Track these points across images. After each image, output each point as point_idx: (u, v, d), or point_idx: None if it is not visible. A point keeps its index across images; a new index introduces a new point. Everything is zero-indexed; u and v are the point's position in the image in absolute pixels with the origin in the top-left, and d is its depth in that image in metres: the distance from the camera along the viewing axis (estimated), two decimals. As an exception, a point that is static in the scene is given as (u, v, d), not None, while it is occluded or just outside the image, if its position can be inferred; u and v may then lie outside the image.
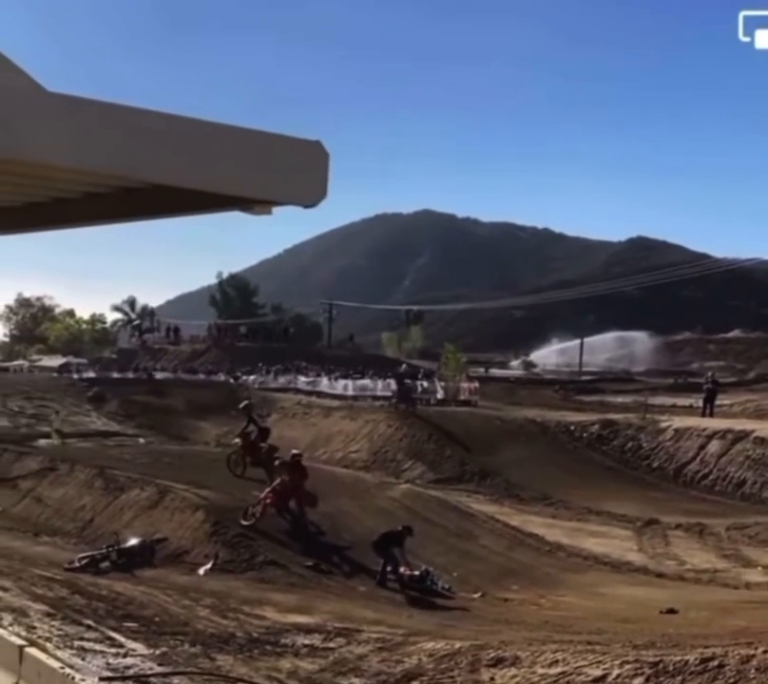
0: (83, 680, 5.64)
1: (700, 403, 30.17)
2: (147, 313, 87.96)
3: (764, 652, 7.64)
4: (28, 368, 63.75)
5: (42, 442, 28.69)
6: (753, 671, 7.40)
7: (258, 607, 11.89)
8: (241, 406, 21.52)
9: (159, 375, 49.88)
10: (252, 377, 47.53)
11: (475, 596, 14.02)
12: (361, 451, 27.62)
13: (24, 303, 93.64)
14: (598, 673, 8.02)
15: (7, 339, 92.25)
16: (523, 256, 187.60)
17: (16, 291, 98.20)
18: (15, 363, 68.92)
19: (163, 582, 13.65)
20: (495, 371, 60.85)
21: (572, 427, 28.04)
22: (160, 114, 2.78)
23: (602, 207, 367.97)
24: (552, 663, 8.45)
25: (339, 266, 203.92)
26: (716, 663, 7.63)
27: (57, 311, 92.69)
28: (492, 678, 8.41)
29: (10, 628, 8.22)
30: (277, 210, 3.20)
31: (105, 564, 14.91)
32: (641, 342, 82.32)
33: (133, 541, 15.37)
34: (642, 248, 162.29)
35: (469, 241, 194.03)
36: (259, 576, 14.40)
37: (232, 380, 47.01)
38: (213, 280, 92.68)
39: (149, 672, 7.89)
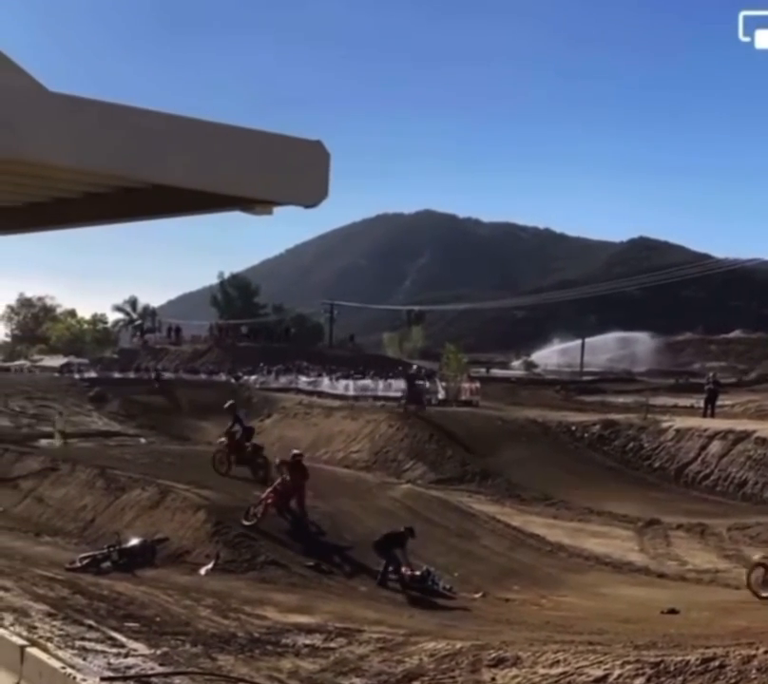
0: (84, 680, 5.64)
1: (702, 403, 30.16)
2: (149, 313, 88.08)
3: (765, 652, 7.64)
4: (29, 368, 63.82)
5: (43, 442, 28.71)
6: (754, 671, 7.40)
7: (259, 607, 11.89)
8: (226, 405, 21.61)
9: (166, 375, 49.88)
10: (253, 377, 47.61)
11: (476, 596, 14.02)
12: (362, 451, 27.61)
13: (25, 303, 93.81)
14: (599, 673, 8.02)
15: (8, 339, 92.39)
16: (524, 257, 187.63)
17: (18, 291, 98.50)
18: (17, 363, 68.99)
19: (164, 582, 13.65)
20: (496, 372, 60.90)
21: (573, 428, 28.02)
22: (160, 114, 2.79)
23: (603, 207, 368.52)
24: (553, 663, 8.45)
25: (340, 266, 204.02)
26: (717, 663, 7.63)
27: (58, 311, 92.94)
28: (493, 679, 8.41)
29: (12, 628, 8.22)
30: (278, 210, 3.20)
31: (107, 564, 14.91)
32: (642, 342, 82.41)
33: (134, 542, 15.37)
34: (643, 248, 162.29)
35: (470, 241, 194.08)
36: (261, 576, 14.40)
37: (233, 380, 47.07)
38: (214, 280, 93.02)
39: (150, 672, 7.89)
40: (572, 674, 8.11)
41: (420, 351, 71.29)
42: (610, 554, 16.70)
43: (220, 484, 18.28)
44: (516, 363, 75.43)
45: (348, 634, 10.17)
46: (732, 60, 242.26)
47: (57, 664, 5.82)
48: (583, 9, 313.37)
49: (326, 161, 3.01)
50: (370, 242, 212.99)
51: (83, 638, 9.02)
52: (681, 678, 7.59)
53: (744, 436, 23.66)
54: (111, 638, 9.20)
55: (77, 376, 49.56)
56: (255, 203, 3.14)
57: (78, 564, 14.83)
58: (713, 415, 28.68)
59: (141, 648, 8.94)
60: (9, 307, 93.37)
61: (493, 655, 8.88)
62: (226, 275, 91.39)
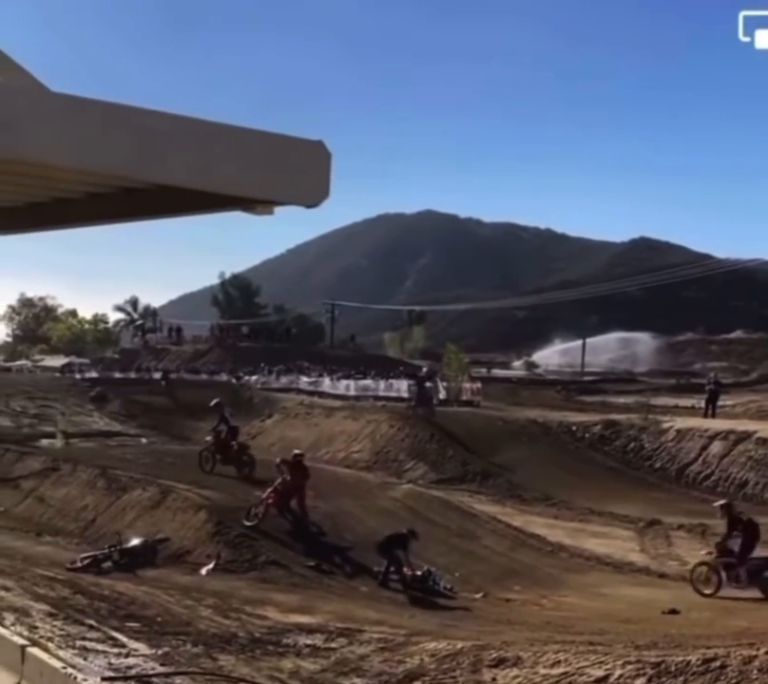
0: (85, 680, 5.63)
1: (703, 404, 30.15)
2: (150, 313, 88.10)
3: (766, 652, 7.64)
4: (30, 368, 63.92)
5: (44, 442, 28.74)
6: (755, 671, 7.40)
7: (260, 607, 11.90)
8: (212, 403, 21.61)
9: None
10: (254, 377, 47.60)
11: (477, 596, 14.02)
12: (363, 451, 27.61)
13: (26, 303, 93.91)
14: (600, 673, 8.02)
15: (9, 339, 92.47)
16: (525, 257, 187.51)
17: (19, 291, 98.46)
18: (18, 363, 69.08)
19: (165, 582, 13.66)
20: (497, 372, 60.93)
21: (574, 428, 28.02)
22: (162, 114, 2.78)
23: (604, 207, 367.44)
24: (554, 664, 8.45)
25: (342, 266, 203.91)
26: (718, 664, 7.64)
27: (59, 311, 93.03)
28: (494, 679, 8.41)
29: (13, 628, 8.22)
30: (279, 210, 3.20)
31: (108, 564, 14.93)
32: (643, 343, 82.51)
33: (135, 541, 15.38)
34: (644, 248, 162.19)
35: (471, 242, 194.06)
36: (261, 576, 14.41)
37: (234, 380, 47.07)
38: (215, 280, 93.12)
39: (151, 672, 7.90)
40: (573, 675, 8.12)
41: (421, 351, 71.30)
42: (611, 554, 16.70)
43: (221, 485, 18.29)
44: (517, 363, 75.45)
45: (349, 634, 10.18)
46: (732, 60, 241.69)
47: (58, 664, 5.81)
48: (583, 9, 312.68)
49: (327, 161, 3.01)
50: (371, 242, 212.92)
51: (84, 638, 9.03)
52: (682, 679, 7.59)
53: (745, 436, 23.65)
54: (112, 638, 9.21)
55: (78, 376, 49.62)
56: (256, 203, 3.14)
57: (79, 564, 14.84)
58: (714, 416, 28.68)
59: (142, 648, 8.94)
60: (11, 307, 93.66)
61: (494, 655, 8.89)
62: (227, 275, 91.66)
